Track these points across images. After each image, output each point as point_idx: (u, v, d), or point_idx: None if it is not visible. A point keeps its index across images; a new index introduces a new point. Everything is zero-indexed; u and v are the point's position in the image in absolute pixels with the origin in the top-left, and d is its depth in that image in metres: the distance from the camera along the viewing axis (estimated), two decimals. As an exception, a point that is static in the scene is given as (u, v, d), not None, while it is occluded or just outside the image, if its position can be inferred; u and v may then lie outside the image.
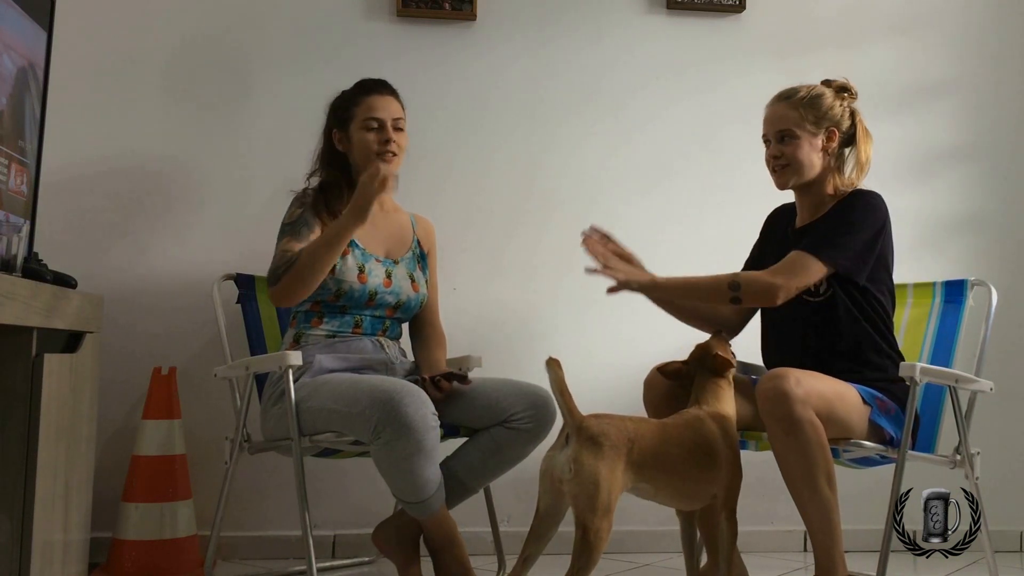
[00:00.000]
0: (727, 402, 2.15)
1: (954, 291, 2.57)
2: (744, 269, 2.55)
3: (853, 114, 2.37)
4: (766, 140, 2.39)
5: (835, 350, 2.28)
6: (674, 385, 2.24)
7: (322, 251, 2.28)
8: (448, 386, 2.31)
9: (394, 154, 2.44)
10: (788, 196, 2.49)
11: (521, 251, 2.92)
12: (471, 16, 2.90)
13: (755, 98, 2.98)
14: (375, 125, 2.43)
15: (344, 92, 2.56)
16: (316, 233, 2.37)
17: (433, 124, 2.89)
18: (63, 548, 2.03)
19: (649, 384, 2.34)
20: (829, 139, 2.33)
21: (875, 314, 2.29)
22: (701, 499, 2.09)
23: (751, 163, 2.97)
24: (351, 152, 2.48)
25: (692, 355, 2.21)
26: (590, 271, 2.23)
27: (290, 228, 2.38)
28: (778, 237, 2.47)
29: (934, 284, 2.61)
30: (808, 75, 3.00)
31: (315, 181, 2.52)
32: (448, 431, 2.32)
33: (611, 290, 2.24)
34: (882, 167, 2.92)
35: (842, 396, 2.14)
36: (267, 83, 2.84)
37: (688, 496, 2.07)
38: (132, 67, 2.78)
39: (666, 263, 2.93)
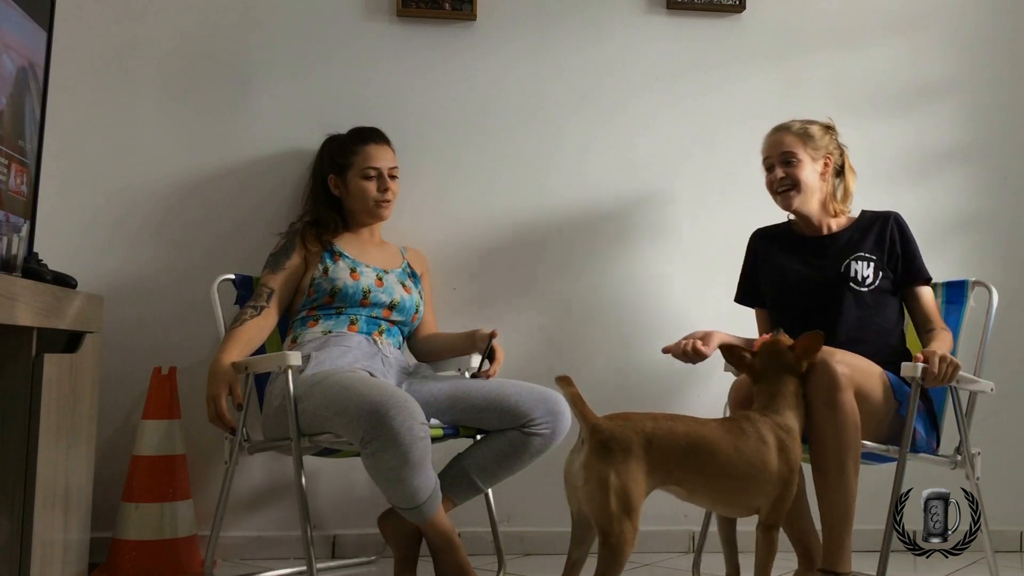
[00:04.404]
0: (794, 411, 2.05)
1: (955, 292, 2.58)
2: (739, 291, 2.69)
3: (842, 150, 2.55)
4: (769, 165, 2.52)
5: (863, 337, 2.37)
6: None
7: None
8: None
9: (389, 201, 2.61)
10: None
11: (522, 251, 2.92)
12: (471, 16, 2.90)
13: (755, 98, 3.01)
14: (373, 174, 2.58)
15: (339, 138, 2.68)
16: (294, 260, 2.50)
17: (433, 124, 2.89)
18: (63, 548, 2.03)
19: (736, 386, 2.31)
20: (825, 166, 2.51)
21: (899, 313, 2.46)
22: (740, 509, 2.03)
23: (751, 163, 2.97)
24: (347, 197, 2.62)
25: (761, 350, 2.12)
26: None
27: (272, 259, 2.54)
28: (780, 251, 2.57)
29: (935, 285, 2.61)
30: (808, 75, 3.03)
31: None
32: (448, 431, 2.33)
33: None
34: (882, 167, 2.93)
35: (871, 374, 2.21)
36: (267, 83, 2.84)
37: (725, 504, 2.02)
38: (132, 67, 2.78)
39: (667, 263, 2.95)
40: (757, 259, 2.63)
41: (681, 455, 1.90)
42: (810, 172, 2.47)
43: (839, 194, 2.56)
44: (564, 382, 1.88)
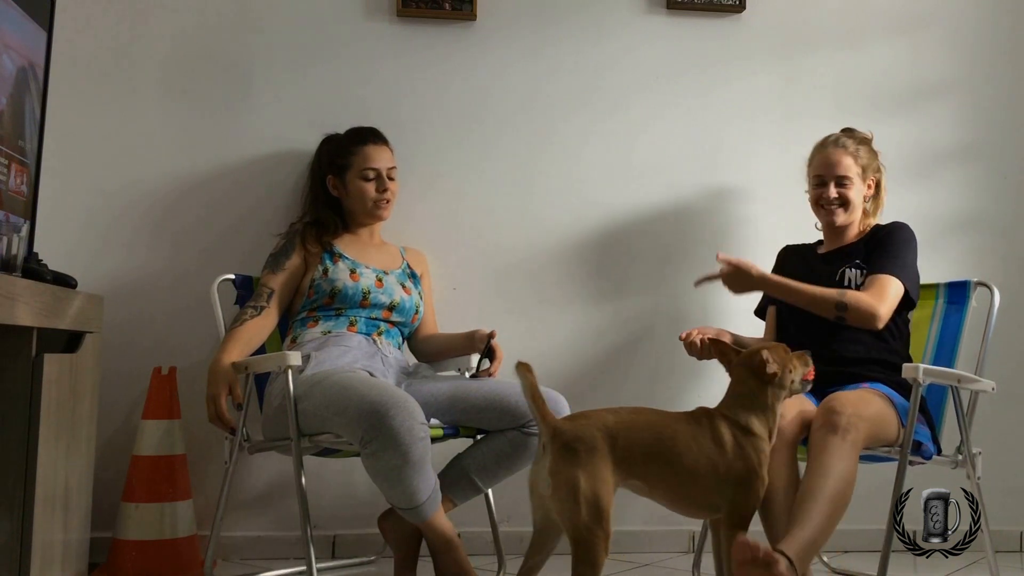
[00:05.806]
0: (758, 417, 1.97)
1: (957, 292, 2.58)
2: (760, 304, 2.68)
3: (880, 169, 2.60)
4: (821, 182, 2.55)
5: (858, 356, 2.37)
6: None
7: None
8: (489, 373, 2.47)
9: (388, 202, 2.61)
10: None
11: (520, 251, 2.92)
12: (471, 16, 2.89)
13: (755, 98, 3.00)
14: (372, 175, 2.57)
15: (337, 138, 2.68)
16: (294, 261, 2.50)
17: (433, 124, 2.89)
18: (63, 548, 2.03)
19: None
20: (869, 188, 2.57)
21: (896, 328, 2.43)
22: (700, 507, 1.97)
23: (751, 163, 2.98)
24: (346, 198, 2.62)
25: (744, 358, 2.05)
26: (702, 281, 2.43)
27: (271, 260, 2.54)
28: (798, 266, 2.57)
29: (937, 286, 2.62)
30: (808, 75, 3.02)
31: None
32: (448, 431, 2.33)
33: (701, 280, 2.43)
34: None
35: (884, 417, 2.20)
36: (266, 83, 2.84)
37: (684, 501, 1.95)
38: (132, 67, 2.78)
39: (668, 263, 2.95)
40: (783, 272, 2.61)
41: (644, 447, 1.87)
42: (857, 193, 2.53)
43: (870, 208, 2.60)
44: (522, 369, 1.82)
